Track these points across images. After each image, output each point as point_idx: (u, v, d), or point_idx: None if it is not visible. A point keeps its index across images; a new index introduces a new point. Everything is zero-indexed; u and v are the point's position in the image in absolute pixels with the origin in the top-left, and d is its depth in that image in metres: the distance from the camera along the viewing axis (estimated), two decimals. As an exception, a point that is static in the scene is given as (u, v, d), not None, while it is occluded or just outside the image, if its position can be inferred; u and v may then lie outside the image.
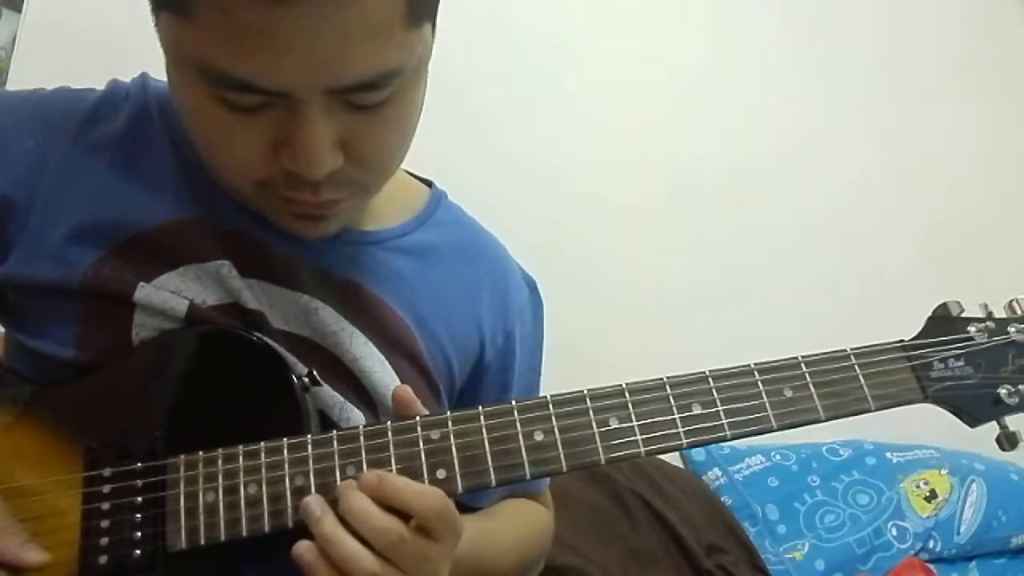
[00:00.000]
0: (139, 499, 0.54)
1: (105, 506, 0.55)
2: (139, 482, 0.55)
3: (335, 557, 0.50)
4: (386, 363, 0.65)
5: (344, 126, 0.52)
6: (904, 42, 2.13)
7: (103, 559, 0.53)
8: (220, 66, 0.47)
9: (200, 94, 0.50)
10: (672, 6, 2.04)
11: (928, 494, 1.70)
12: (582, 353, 1.54)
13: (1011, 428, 0.59)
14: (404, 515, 0.52)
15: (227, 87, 0.49)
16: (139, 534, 0.54)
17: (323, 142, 0.51)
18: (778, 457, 1.76)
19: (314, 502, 0.52)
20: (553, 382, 0.80)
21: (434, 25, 0.56)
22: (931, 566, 1.61)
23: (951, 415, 0.60)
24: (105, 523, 0.54)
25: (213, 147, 0.56)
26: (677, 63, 2.01)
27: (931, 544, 1.65)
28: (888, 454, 1.78)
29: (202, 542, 0.53)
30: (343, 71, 0.48)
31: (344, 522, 0.51)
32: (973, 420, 0.58)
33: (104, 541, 0.54)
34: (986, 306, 0.61)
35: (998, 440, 0.58)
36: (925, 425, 1.69)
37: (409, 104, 0.55)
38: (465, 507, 0.76)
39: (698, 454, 1.80)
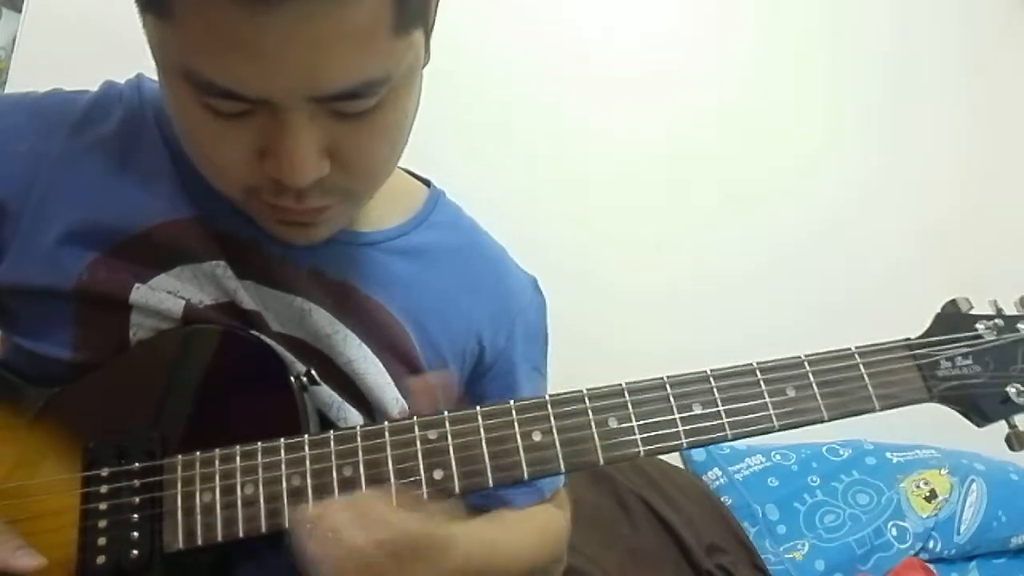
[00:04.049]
0: (136, 499, 0.54)
1: (103, 506, 0.54)
2: (137, 482, 0.55)
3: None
4: (380, 365, 0.65)
5: (330, 134, 0.51)
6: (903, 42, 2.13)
7: (101, 559, 0.53)
8: (202, 72, 0.46)
9: (186, 99, 0.50)
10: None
11: (928, 494, 1.69)
12: (586, 347, 1.53)
13: (1020, 427, 0.58)
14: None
15: (210, 93, 0.48)
16: (136, 534, 0.54)
17: (307, 150, 0.50)
18: (778, 457, 1.76)
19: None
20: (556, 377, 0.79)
21: (428, 31, 0.54)
22: (931, 566, 1.61)
23: (953, 415, 0.59)
24: (103, 523, 0.54)
25: (200, 152, 0.55)
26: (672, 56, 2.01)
27: (931, 544, 1.65)
28: (888, 454, 1.78)
29: (199, 542, 0.53)
30: (325, 80, 0.47)
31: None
32: (981, 419, 0.57)
33: (102, 541, 0.54)
34: (995, 303, 0.60)
35: (1007, 440, 0.57)
36: (925, 425, 1.69)
37: (399, 112, 0.54)
38: (482, 508, 0.75)
39: (698, 454, 1.80)
